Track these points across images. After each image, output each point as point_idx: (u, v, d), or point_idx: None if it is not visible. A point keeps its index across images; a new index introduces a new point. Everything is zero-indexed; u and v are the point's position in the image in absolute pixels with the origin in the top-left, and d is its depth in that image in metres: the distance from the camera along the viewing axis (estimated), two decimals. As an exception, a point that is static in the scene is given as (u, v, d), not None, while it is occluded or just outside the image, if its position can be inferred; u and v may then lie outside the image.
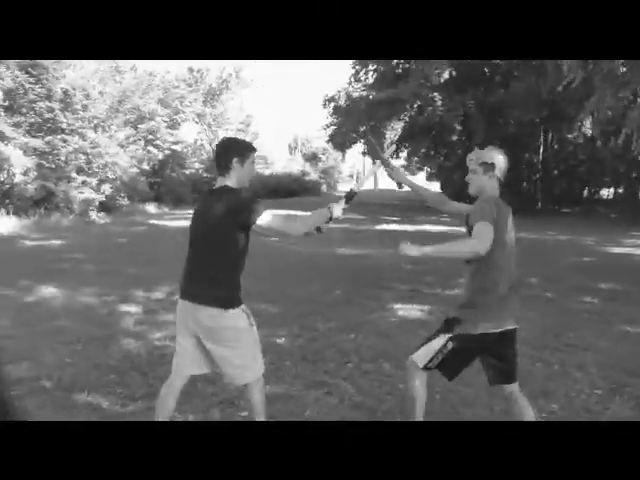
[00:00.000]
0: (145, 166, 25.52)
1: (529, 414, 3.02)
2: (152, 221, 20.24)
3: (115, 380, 4.45)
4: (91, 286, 8.00)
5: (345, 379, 4.49)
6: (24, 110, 19.32)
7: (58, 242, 13.36)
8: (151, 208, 24.39)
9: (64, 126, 20.12)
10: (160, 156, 26.76)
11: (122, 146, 23.30)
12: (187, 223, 3.21)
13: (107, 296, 7.43)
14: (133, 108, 25.00)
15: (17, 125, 18.96)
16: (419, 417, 3.03)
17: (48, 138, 19.40)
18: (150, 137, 26.31)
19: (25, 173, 18.16)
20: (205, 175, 29.50)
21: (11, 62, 18.62)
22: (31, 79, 18.99)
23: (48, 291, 7.64)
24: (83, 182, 20.99)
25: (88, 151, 21.07)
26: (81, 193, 20.68)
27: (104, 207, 22.07)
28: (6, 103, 18.98)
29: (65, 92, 20.18)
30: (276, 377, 4.43)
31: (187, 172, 29.22)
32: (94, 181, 21.45)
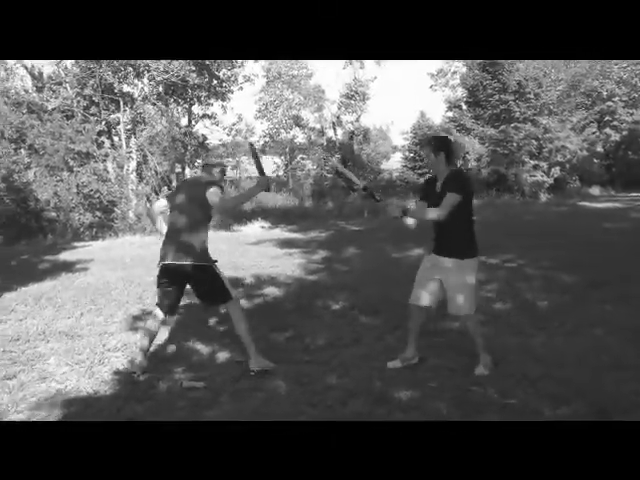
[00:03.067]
0: (599, 148, 25.33)
1: (239, 327, 3.99)
2: (583, 203, 19.57)
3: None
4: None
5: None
6: (483, 104, 22.17)
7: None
8: (595, 190, 24.18)
9: (517, 115, 22.15)
10: (617, 137, 26.06)
11: (574, 130, 23.81)
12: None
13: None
14: (589, 91, 25.13)
15: (477, 117, 21.94)
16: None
17: (502, 127, 21.77)
18: (607, 119, 25.93)
19: (479, 159, 20.96)
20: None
21: (474, 63, 21.69)
22: (488, 76, 21.66)
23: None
24: (534, 166, 22.59)
25: (539, 136, 22.53)
26: (532, 176, 22.38)
27: (553, 189, 23.18)
28: (471, 99, 22.20)
29: (519, 83, 22.14)
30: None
31: (650, 153, 27.42)
32: (545, 165, 22.79)
